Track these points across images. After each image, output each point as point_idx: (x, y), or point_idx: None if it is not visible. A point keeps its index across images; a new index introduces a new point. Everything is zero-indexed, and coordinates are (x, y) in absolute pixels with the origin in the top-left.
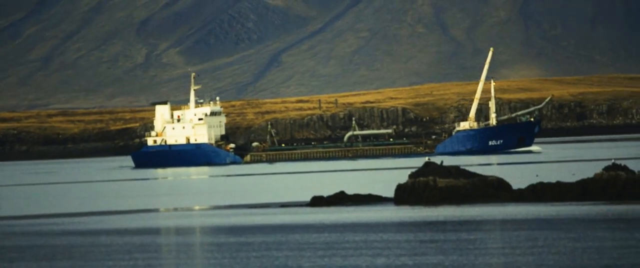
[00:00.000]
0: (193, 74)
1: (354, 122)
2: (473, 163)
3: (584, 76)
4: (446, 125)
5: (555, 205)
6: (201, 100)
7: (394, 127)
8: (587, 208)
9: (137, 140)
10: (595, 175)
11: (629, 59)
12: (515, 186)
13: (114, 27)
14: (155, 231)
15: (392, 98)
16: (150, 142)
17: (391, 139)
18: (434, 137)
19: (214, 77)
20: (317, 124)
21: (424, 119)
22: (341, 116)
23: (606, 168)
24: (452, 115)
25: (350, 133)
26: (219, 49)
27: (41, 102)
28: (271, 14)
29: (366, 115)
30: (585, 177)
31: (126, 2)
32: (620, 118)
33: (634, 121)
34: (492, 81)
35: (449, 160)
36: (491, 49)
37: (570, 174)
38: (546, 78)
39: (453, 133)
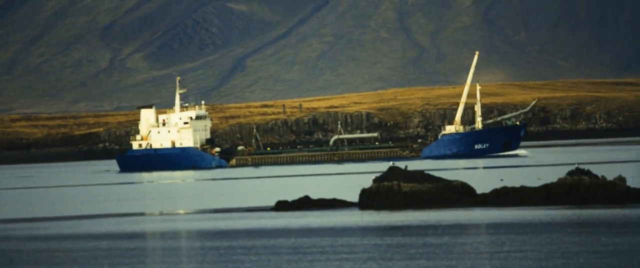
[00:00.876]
0: (178, 78)
1: (339, 126)
2: (459, 167)
3: (547, 81)
4: (410, 130)
5: (519, 209)
6: (186, 104)
7: (379, 131)
8: (551, 213)
9: (101, 144)
10: (559, 179)
11: (592, 64)
12: (479, 191)
13: (77, 32)
14: (113, 236)
15: (356, 103)
16: (135, 146)
17: (376, 143)
18: (420, 140)
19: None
20: (282, 128)
21: (388, 124)
22: (305, 121)
23: (570, 173)
24: (416, 120)
25: (335, 137)
26: (183, 53)
27: (4, 107)
28: (235, 18)
29: (330, 120)
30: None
31: (90, 7)
32: (583, 123)
33: (597, 126)
34: (477, 84)
35: (434, 164)
36: (477, 52)
37: (536, 178)
38: (510, 83)
39: (439, 137)
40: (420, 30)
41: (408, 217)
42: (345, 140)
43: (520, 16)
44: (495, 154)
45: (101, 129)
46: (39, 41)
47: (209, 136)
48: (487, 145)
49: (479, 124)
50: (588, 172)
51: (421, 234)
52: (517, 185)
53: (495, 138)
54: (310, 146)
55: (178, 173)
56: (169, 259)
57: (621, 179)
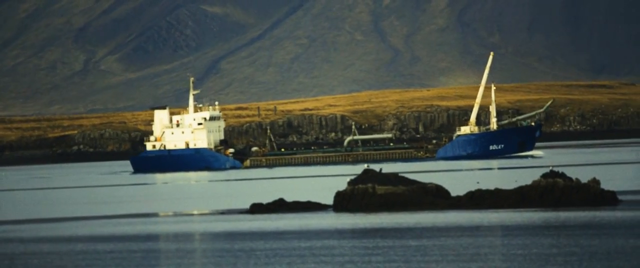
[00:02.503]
0: (192, 79)
1: (353, 126)
2: (474, 167)
3: (521, 83)
4: (384, 133)
5: (493, 212)
6: (200, 105)
7: (393, 131)
8: (525, 215)
9: (75, 147)
10: (533, 182)
11: (566, 67)
12: (454, 193)
13: (51, 34)
14: (87, 238)
15: (331, 105)
16: (149, 146)
17: (391, 144)
18: (434, 141)
19: (153, 84)
20: (256, 131)
21: (363, 126)
22: (280, 123)
23: (544, 176)
24: (390, 123)
25: (350, 138)
26: (158, 55)
27: None
28: (209, 21)
29: (305, 123)
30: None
31: (64, 9)
32: (557, 125)
33: (571, 128)
34: (492, 85)
35: (449, 165)
36: (492, 53)
37: (513, 181)
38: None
39: (454, 137)
40: (394, 32)
41: (383, 219)
42: (359, 141)
43: (494, 18)
44: (510, 155)
45: (75, 132)
46: (13, 43)
47: (222, 137)
48: (502, 146)
49: (493, 125)
50: (562, 175)
51: (396, 237)
52: (492, 187)
53: (510, 139)
54: (325, 147)
55: (192, 174)
56: (146, 262)
57: (595, 182)
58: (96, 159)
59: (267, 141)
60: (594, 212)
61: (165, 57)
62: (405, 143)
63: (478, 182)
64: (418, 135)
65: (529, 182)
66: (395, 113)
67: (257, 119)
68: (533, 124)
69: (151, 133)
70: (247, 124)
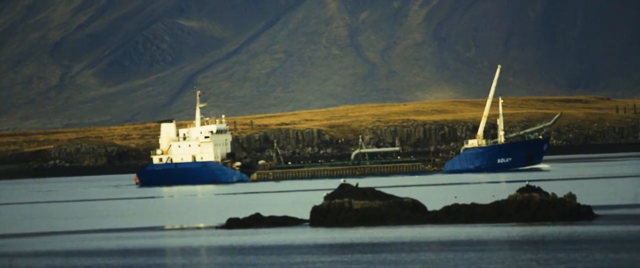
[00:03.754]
0: (198, 92)
1: (360, 139)
2: (481, 181)
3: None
4: (355, 148)
5: (470, 226)
6: (207, 118)
7: (399, 146)
8: (501, 230)
9: (51, 162)
10: (510, 197)
11: (542, 81)
12: (430, 208)
13: (27, 49)
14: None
15: (307, 120)
16: (155, 160)
17: (398, 157)
18: (441, 155)
19: (129, 99)
20: (233, 145)
21: (340, 141)
22: (256, 138)
23: (520, 190)
24: (367, 137)
25: (357, 151)
26: (134, 70)
27: None
28: (186, 35)
29: (282, 137)
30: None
31: (40, 23)
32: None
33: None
34: (500, 98)
35: (457, 179)
36: (499, 66)
37: (490, 195)
38: (460, 100)
39: (461, 151)
40: (371, 47)
41: (359, 234)
42: (366, 154)
43: (471, 33)
44: (517, 168)
45: (51, 146)
46: None
47: (229, 150)
48: (510, 159)
49: (501, 138)
50: (538, 189)
51: (373, 251)
52: (469, 202)
53: (518, 152)
54: (332, 160)
55: (199, 188)
56: None
57: (571, 196)
58: (72, 174)
59: (274, 154)
60: (571, 226)
61: (142, 72)
62: (412, 156)
63: (456, 197)
64: (426, 149)
65: (505, 196)
66: (371, 127)
67: (233, 133)
68: (541, 137)
69: (127, 149)
70: None
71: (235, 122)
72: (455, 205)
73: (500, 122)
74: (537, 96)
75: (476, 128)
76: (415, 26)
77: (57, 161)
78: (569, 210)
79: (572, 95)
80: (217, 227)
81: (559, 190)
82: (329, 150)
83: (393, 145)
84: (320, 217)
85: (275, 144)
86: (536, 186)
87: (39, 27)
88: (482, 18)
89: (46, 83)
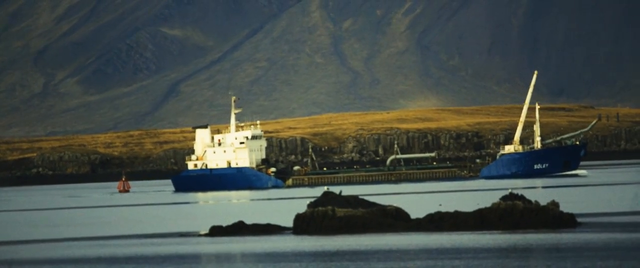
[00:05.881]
0: (234, 98)
1: (396, 145)
2: (518, 186)
3: (481, 106)
4: (344, 155)
5: (453, 234)
6: (242, 124)
7: (437, 151)
8: (485, 238)
9: (35, 170)
10: (493, 204)
11: (525, 89)
12: (414, 216)
13: (11, 57)
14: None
15: (290, 128)
16: (190, 166)
17: (434, 163)
18: (478, 160)
19: (113, 107)
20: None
21: (323, 149)
22: None
23: (503, 198)
24: (350, 145)
25: (392, 157)
26: (117, 78)
27: None
28: (169, 43)
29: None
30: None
31: (23, 31)
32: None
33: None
34: (536, 104)
35: (494, 185)
36: (535, 72)
37: (475, 203)
38: (444, 108)
39: (497, 156)
40: (354, 55)
41: (342, 242)
42: (402, 160)
43: (454, 41)
44: (554, 174)
45: (34, 154)
46: None
47: (264, 156)
48: (547, 165)
49: (538, 144)
50: (521, 197)
51: (356, 259)
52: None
53: (555, 158)
54: (367, 166)
55: (234, 193)
56: None
57: (554, 204)
58: (55, 182)
59: (309, 160)
60: (554, 234)
61: (125, 80)
62: (448, 162)
63: (440, 204)
64: (463, 154)
65: (488, 204)
66: (355, 135)
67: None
68: (578, 143)
69: (110, 157)
70: None
71: (219, 130)
72: (438, 213)
73: (536, 128)
74: (520, 104)
75: (459, 136)
76: (399, 34)
77: (41, 169)
78: (552, 217)
79: (555, 103)
80: (200, 235)
81: (542, 198)
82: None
83: (376, 153)
84: (304, 224)
85: (310, 150)
86: (519, 194)
87: (23, 35)
88: (465, 26)
89: (29, 91)
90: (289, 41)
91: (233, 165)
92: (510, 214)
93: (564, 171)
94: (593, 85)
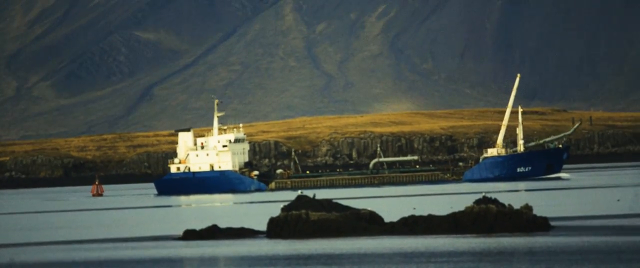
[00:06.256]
0: (216, 101)
1: (378, 149)
2: (501, 189)
3: (454, 110)
4: (318, 159)
5: (426, 238)
6: (225, 127)
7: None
8: (458, 241)
9: (8, 173)
10: (466, 208)
11: (498, 93)
12: (387, 219)
13: None
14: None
15: (264, 131)
16: (173, 169)
17: (417, 166)
18: (461, 163)
19: (86, 110)
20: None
21: (297, 152)
22: None
23: (477, 202)
24: (324, 149)
25: (375, 160)
26: (91, 82)
27: None
28: (143, 47)
29: None
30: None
31: None
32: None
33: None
34: (519, 107)
35: (477, 188)
36: (518, 75)
37: (449, 207)
38: (417, 111)
39: (480, 160)
40: (328, 58)
41: (315, 245)
42: (385, 164)
43: (427, 45)
44: (537, 177)
45: (7, 158)
46: None
47: (247, 159)
48: (530, 168)
49: (520, 147)
50: (495, 201)
51: (328, 263)
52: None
53: (538, 161)
54: (350, 169)
55: (217, 197)
56: None
57: (528, 208)
58: (28, 186)
59: (292, 163)
60: (528, 237)
61: (98, 83)
62: (431, 165)
63: (414, 208)
64: (445, 158)
65: (462, 208)
66: (328, 139)
67: None
68: (560, 146)
69: (83, 160)
70: None
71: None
72: (412, 217)
73: (519, 131)
74: (493, 108)
75: (433, 139)
76: (372, 38)
77: (13, 173)
78: (525, 221)
79: (528, 107)
80: (174, 239)
81: (516, 201)
82: (286, 162)
83: (350, 157)
84: (277, 228)
85: (293, 153)
86: (493, 197)
87: None
88: (438, 30)
89: (2, 95)
90: (263, 44)
91: (216, 168)
92: (483, 218)
93: (547, 174)
94: (566, 89)
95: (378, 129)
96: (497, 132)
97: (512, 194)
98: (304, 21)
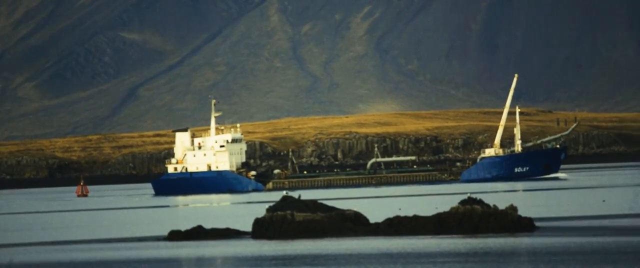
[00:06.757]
0: (214, 101)
1: (376, 149)
2: (499, 189)
3: (439, 110)
4: (303, 159)
5: (412, 238)
6: (222, 127)
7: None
8: (443, 242)
9: None
10: (451, 208)
11: (483, 94)
12: (373, 220)
13: None
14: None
15: (249, 132)
16: (170, 169)
17: (414, 166)
18: (458, 164)
19: (71, 111)
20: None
21: (282, 153)
22: None
23: (462, 202)
24: (309, 149)
25: (372, 160)
26: (76, 83)
27: None
28: (128, 48)
29: None
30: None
31: None
32: (475, 152)
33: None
34: (517, 107)
35: (474, 188)
36: (516, 75)
37: (433, 208)
38: (402, 112)
39: (478, 160)
40: (313, 59)
41: (300, 246)
42: (382, 164)
43: (412, 46)
44: (535, 177)
45: None
46: None
47: (244, 159)
48: (527, 168)
49: (518, 147)
50: (480, 201)
51: (313, 264)
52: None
53: (536, 161)
54: (348, 169)
55: (214, 197)
56: None
57: (513, 208)
58: (13, 186)
59: (289, 164)
60: (513, 238)
61: (83, 84)
62: (429, 165)
63: (400, 209)
64: (443, 157)
65: (447, 208)
66: (314, 140)
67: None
68: (558, 146)
69: (68, 161)
70: (166, 151)
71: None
72: (397, 217)
73: (517, 131)
74: (478, 108)
75: (418, 140)
76: (358, 39)
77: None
78: (510, 222)
79: (513, 107)
80: (159, 239)
81: (501, 202)
82: (271, 162)
83: (335, 157)
84: (262, 229)
85: (290, 153)
86: (478, 198)
87: None
88: (423, 31)
89: None
90: (248, 45)
91: (213, 168)
92: (468, 218)
93: (545, 174)
94: (551, 90)
95: (363, 130)
96: (482, 133)
97: (497, 195)
98: (289, 22)
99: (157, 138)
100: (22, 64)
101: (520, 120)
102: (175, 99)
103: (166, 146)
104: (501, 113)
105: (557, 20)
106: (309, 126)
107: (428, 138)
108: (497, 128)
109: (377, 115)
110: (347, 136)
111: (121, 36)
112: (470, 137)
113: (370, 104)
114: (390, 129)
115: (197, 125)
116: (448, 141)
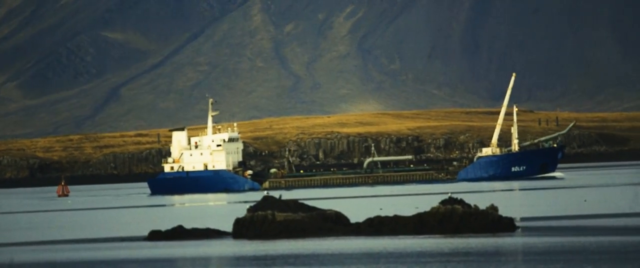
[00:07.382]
0: (211, 100)
1: (372, 148)
2: (495, 188)
3: (421, 110)
4: (283, 160)
5: (392, 238)
6: (219, 126)
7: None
8: (424, 242)
9: None
10: (432, 208)
11: (465, 94)
12: (354, 220)
13: None
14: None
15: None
16: (167, 168)
17: (411, 165)
18: (455, 163)
19: (52, 111)
20: (156, 158)
21: (263, 153)
22: None
23: (443, 202)
24: (292, 149)
25: (369, 159)
26: (58, 82)
27: None
28: (110, 47)
29: None
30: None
31: None
32: (456, 152)
33: (470, 155)
34: (514, 107)
35: (471, 187)
36: (514, 74)
37: (414, 208)
38: (385, 112)
39: (475, 159)
40: (295, 59)
41: (281, 246)
42: (379, 163)
43: (395, 46)
44: (532, 177)
45: None
46: None
47: (241, 159)
48: (524, 167)
49: (515, 147)
50: (461, 201)
51: (294, 263)
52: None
53: (532, 160)
54: (344, 169)
55: (210, 196)
56: None
57: (493, 208)
58: None
59: (286, 163)
60: (493, 238)
61: (65, 84)
62: (425, 164)
63: (381, 208)
64: (439, 156)
65: (428, 208)
66: (295, 139)
67: (157, 145)
68: (555, 145)
69: (49, 161)
70: (147, 151)
71: (159, 135)
72: (378, 217)
73: (514, 130)
74: (460, 108)
75: (400, 140)
76: (340, 38)
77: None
78: (491, 221)
79: (495, 107)
80: (139, 240)
81: (482, 201)
82: (252, 162)
83: (317, 157)
84: (243, 229)
85: (287, 153)
86: (459, 198)
87: None
88: (406, 30)
89: None
90: (231, 45)
91: (210, 167)
92: (449, 218)
93: (542, 174)
94: (533, 90)
95: (345, 130)
96: (464, 133)
97: (478, 195)
98: (271, 22)
99: (139, 138)
100: (3, 64)
101: (502, 121)
102: (157, 98)
103: (148, 146)
104: (484, 113)
105: (539, 20)
106: (290, 126)
107: (409, 138)
108: (478, 128)
109: (359, 115)
110: (328, 136)
111: (103, 36)
112: (451, 136)
113: (352, 104)
114: (372, 129)
115: (178, 125)
116: (430, 141)
